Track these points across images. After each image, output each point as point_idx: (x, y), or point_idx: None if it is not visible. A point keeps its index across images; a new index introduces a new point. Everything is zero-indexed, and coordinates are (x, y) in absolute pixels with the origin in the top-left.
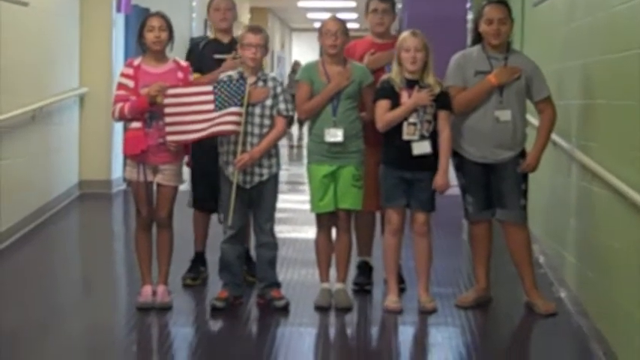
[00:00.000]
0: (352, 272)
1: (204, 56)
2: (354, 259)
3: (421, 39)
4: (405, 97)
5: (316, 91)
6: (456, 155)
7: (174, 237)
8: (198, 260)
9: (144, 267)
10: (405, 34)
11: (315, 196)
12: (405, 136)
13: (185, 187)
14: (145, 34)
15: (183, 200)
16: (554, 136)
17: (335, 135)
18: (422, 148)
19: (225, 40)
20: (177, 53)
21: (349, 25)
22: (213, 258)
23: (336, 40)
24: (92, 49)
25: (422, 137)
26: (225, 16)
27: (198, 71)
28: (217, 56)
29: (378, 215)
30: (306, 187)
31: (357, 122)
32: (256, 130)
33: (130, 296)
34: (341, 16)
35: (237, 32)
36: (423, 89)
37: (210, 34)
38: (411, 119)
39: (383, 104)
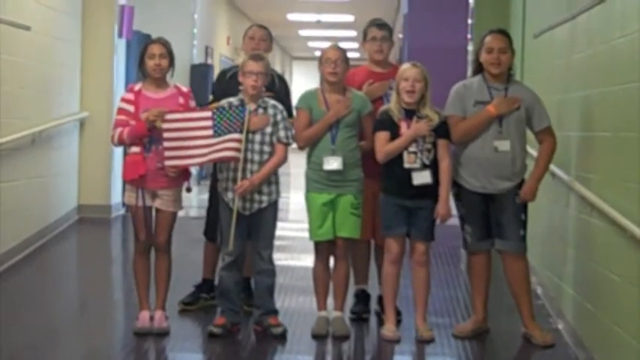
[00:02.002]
0: (349, 301)
1: (230, 85)
2: (351, 288)
3: (421, 70)
4: (404, 127)
5: (315, 119)
6: (455, 185)
7: (172, 262)
8: (203, 286)
9: (142, 292)
10: (406, 64)
11: (314, 224)
12: (406, 165)
13: (182, 213)
14: (146, 61)
15: (181, 226)
16: (553, 167)
17: (334, 163)
18: (422, 178)
19: None
20: (178, 79)
21: (349, 55)
22: None
23: (336, 68)
24: (93, 74)
25: (423, 166)
26: (257, 46)
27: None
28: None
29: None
30: (291, 215)
31: (356, 151)
32: (256, 157)
33: (128, 321)
34: (341, 45)
35: (238, 59)
36: (421, 119)
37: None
38: (411, 148)
39: (382, 136)
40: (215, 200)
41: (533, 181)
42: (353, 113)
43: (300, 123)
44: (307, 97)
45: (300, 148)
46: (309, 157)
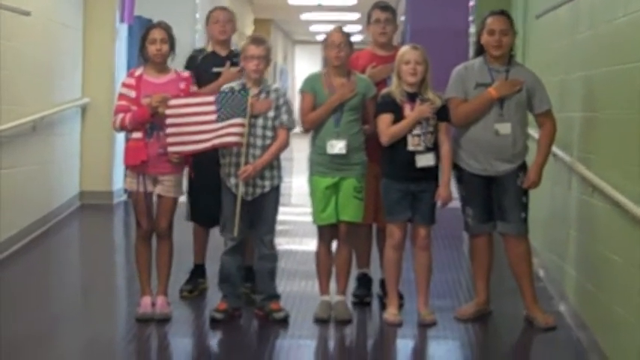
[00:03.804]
0: (351, 284)
1: (203, 70)
2: (353, 272)
3: (421, 52)
4: (407, 110)
5: (319, 103)
6: (456, 167)
7: (173, 248)
8: (198, 272)
9: (143, 278)
10: (406, 47)
11: (317, 208)
12: (410, 147)
13: (184, 198)
14: (147, 46)
15: (183, 211)
16: (554, 149)
17: (338, 147)
18: (426, 160)
19: (223, 52)
20: (179, 64)
21: (353, 38)
22: (213, 269)
23: (341, 51)
24: (95, 60)
25: (427, 149)
26: (224, 29)
27: (197, 85)
28: (216, 69)
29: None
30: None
31: (360, 134)
32: (259, 142)
33: (130, 307)
34: (344, 28)
35: (239, 43)
36: (424, 102)
37: (209, 47)
38: (415, 131)
39: (385, 118)
40: (196, 182)
41: (536, 168)
42: (357, 96)
43: (305, 106)
44: (312, 80)
45: (305, 130)
46: (312, 140)
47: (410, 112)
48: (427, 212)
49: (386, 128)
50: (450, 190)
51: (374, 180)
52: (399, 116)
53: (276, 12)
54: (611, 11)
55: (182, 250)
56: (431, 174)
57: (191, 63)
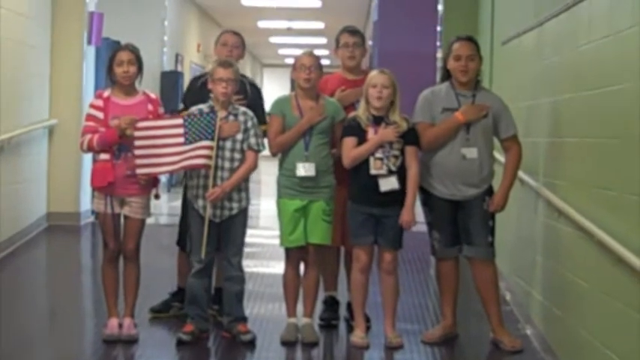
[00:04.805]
0: (319, 307)
1: (202, 93)
2: (320, 294)
3: (389, 77)
4: (371, 133)
5: (288, 126)
6: (423, 191)
7: (141, 270)
8: (178, 295)
9: (110, 299)
10: (374, 72)
11: (285, 231)
12: (373, 171)
13: (152, 220)
14: (114, 68)
15: (151, 233)
16: (521, 174)
17: (307, 170)
18: (389, 184)
19: None
20: (148, 86)
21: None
22: None
23: (310, 74)
24: (62, 81)
25: (390, 172)
26: (230, 53)
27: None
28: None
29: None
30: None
31: (329, 157)
32: (227, 165)
33: (97, 328)
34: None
35: (207, 66)
36: (389, 126)
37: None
38: (378, 154)
39: (349, 142)
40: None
41: (502, 192)
42: (326, 120)
43: (273, 129)
44: (280, 103)
45: (273, 154)
46: (281, 163)
47: (373, 136)
48: (392, 237)
49: (348, 152)
50: (413, 214)
51: (342, 203)
52: (362, 140)
53: (246, 35)
54: (574, 38)
55: (150, 271)
56: (395, 198)
57: (192, 85)
